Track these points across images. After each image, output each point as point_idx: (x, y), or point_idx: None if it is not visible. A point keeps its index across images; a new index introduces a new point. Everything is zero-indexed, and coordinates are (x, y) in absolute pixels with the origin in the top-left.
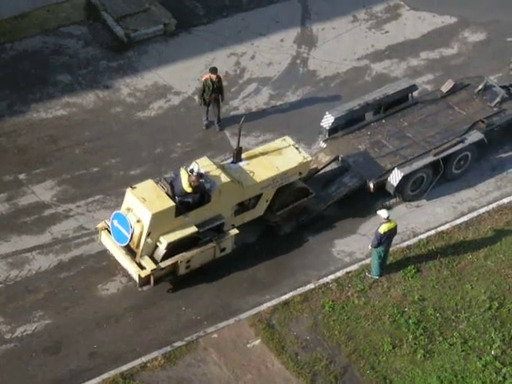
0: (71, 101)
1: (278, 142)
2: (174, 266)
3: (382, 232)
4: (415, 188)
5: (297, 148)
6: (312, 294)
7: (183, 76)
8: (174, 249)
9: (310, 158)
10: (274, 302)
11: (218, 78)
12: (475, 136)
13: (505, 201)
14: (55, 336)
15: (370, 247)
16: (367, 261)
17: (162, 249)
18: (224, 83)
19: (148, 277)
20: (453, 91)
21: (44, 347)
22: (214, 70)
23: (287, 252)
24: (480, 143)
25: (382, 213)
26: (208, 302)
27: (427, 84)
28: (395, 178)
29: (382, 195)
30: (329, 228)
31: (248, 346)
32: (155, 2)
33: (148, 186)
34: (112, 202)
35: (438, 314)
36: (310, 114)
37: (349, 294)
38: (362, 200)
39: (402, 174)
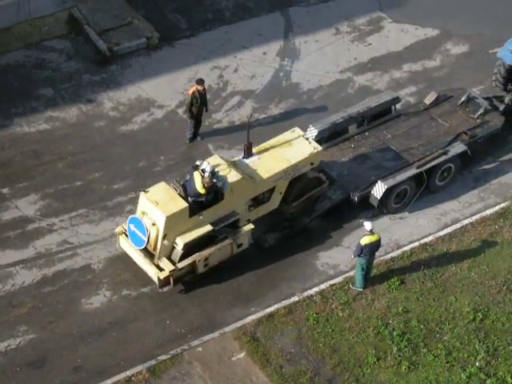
0: (54, 115)
1: (287, 134)
2: (193, 265)
3: (363, 244)
4: (399, 200)
5: (307, 139)
6: (296, 306)
7: (166, 89)
8: (190, 248)
9: (320, 148)
10: (259, 314)
11: (204, 89)
12: (458, 148)
13: (488, 212)
14: (39, 351)
15: (352, 257)
16: (351, 273)
17: (178, 250)
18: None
19: (167, 278)
20: (436, 103)
21: (28, 362)
22: (200, 82)
23: (271, 264)
24: (463, 155)
25: (367, 225)
26: (192, 316)
27: (410, 96)
28: (379, 190)
29: (365, 208)
30: (313, 240)
31: (233, 359)
32: (138, 16)
33: (160, 189)
34: (95, 216)
35: (422, 326)
36: (293, 127)
37: (333, 306)
38: (346, 212)
39: (386, 187)
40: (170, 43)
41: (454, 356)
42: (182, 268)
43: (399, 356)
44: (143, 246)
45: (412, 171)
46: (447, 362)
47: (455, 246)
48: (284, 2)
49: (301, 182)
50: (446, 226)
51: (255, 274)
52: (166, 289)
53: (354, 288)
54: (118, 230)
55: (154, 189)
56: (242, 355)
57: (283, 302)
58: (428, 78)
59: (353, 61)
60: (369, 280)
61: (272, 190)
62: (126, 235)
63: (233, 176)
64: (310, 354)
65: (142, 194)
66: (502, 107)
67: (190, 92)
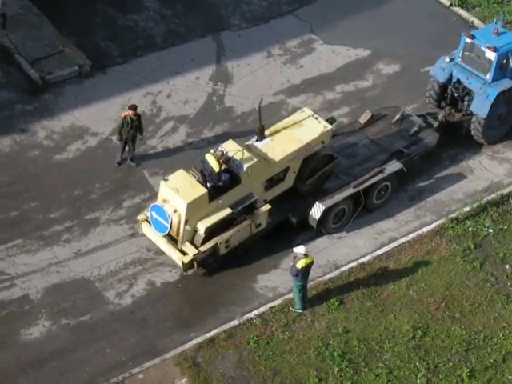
0: None
1: (297, 115)
2: (214, 247)
3: (300, 267)
4: (337, 220)
5: (316, 118)
6: (236, 330)
7: (100, 117)
8: (211, 232)
9: (330, 127)
10: (199, 339)
11: (138, 115)
12: (394, 166)
13: (424, 230)
14: None
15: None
16: (290, 295)
17: (200, 234)
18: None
19: (191, 261)
20: (371, 122)
21: None
22: (133, 107)
23: (210, 289)
24: (399, 173)
25: (300, 249)
26: (132, 343)
27: (343, 117)
28: (317, 211)
29: (302, 229)
30: (251, 264)
31: None
32: (69, 44)
33: (180, 177)
34: (32, 246)
35: (362, 346)
36: None
37: (273, 328)
38: (284, 235)
39: (324, 208)
40: (102, 71)
41: (395, 374)
42: (204, 251)
43: (340, 376)
44: (166, 233)
45: (349, 191)
46: (388, 381)
47: (393, 265)
48: (215, 27)
49: (313, 160)
50: (383, 245)
51: (194, 298)
52: (190, 272)
53: (293, 310)
54: (141, 217)
55: (174, 177)
56: (183, 381)
57: (223, 326)
58: (361, 98)
59: (285, 83)
60: (307, 301)
61: (286, 170)
62: (149, 222)
63: (248, 159)
64: (252, 378)
65: (162, 182)
66: (436, 124)
67: (122, 116)
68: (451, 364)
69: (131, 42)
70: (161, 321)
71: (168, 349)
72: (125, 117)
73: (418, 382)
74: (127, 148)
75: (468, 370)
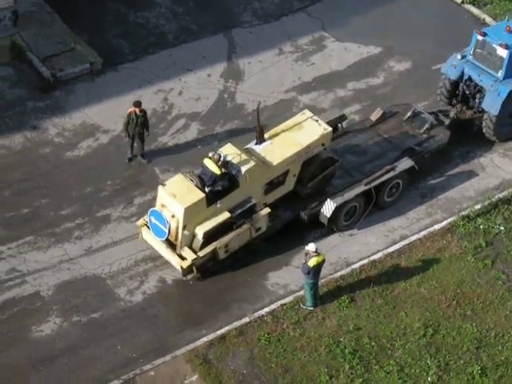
0: None
1: (297, 117)
2: (214, 252)
3: (312, 266)
4: (348, 218)
5: (316, 120)
6: (247, 327)
7: (111, 114)
8: (210, 236)
9: (330, 129)
10: (210, 336)
11: (143, 111)
12: (406, 163)
13: (436, 227)
14: None
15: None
16: (301, 292)
17: (199, 239)
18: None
19: (190, 266)
20: (382, 119)
21: None
22: (137, 104)
23: (221, 286)
24: (411, 170)
25: (311, 247)
26: (143, 340)
27: (355, 114)
28: (328, 208)
29: (313, 227)
30: (262, 261)
31: (185, 382)
32: (81, 42)
33: (177, 181)
34: (43, 243)
35: (373, 343)
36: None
37: (284, 326)
38: (295, 232)
39: (335, 205)
40: (113, 68)
41: (406, 372)
42: (203, 256)
43: (351, 374)
44: (165, 238)
45: (360, 188)
46: (399, 379)
47: (404, 262)
48: (227, 24)
49: (314, 163)
50: (395, 242)
51: (205, 296)
52: (189, 276)
53: (304, 307)
54: (140, 222)
55: (172, 181)
56: (194, 378)
57: (234, 323)
58: (372, 96)
59: (297, 80)
60: (318, 298)
61: (286, 173)
62: (148, 227)
63: (247, 163)
64: (263, 375)
65: (160, 187)
66: (447, 122)
67: (127, 112)
68: (462, 362)
69: (143, 40)
70: (172, 318)
71: (179, 346)
72: (130, 113)
73: (429, 379)
74: (135, 144)
75: (479, 367)
